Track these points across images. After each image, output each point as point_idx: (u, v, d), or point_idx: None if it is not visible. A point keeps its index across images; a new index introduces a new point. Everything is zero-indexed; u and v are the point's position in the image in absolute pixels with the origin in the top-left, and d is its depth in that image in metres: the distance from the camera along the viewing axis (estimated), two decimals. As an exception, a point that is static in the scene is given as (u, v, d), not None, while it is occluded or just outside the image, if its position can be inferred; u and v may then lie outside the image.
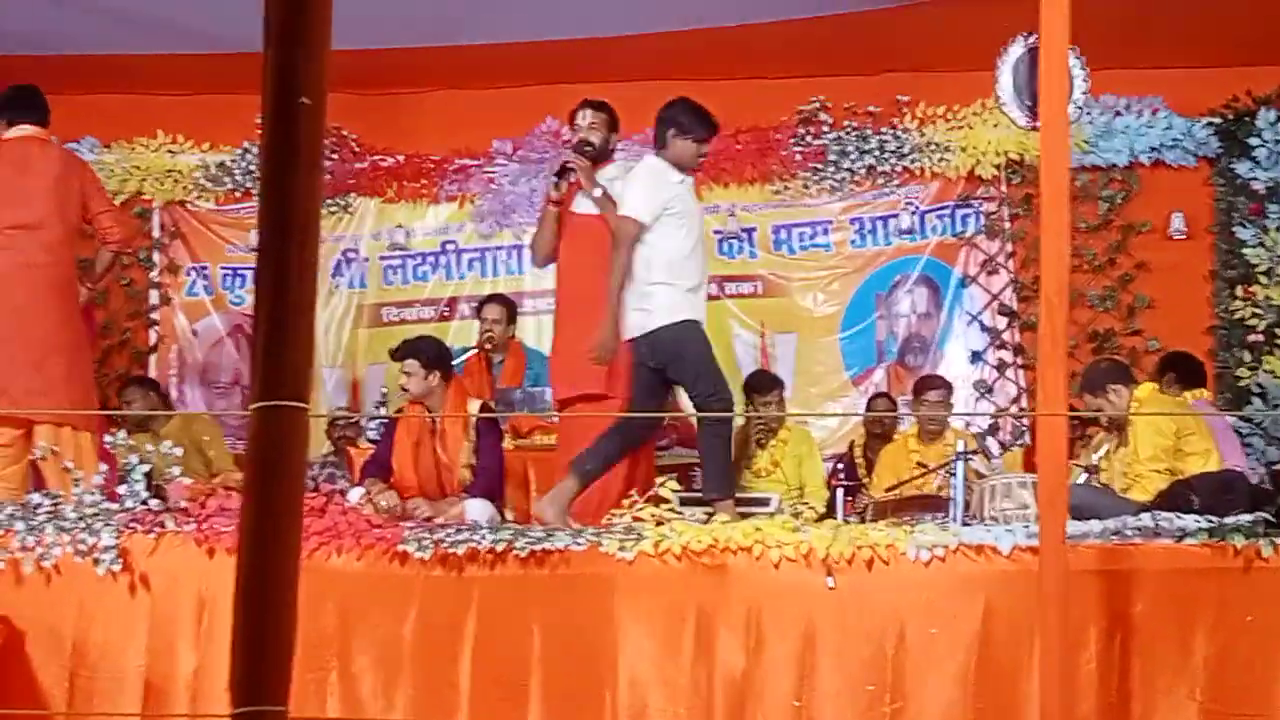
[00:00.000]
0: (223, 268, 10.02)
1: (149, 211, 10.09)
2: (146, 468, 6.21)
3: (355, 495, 7.08)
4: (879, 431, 8.75)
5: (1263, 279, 9.16)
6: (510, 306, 9.04)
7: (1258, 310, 9.14)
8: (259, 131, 2.06)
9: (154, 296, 10.09)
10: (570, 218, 7.10)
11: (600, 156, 7.14)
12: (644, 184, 6.66)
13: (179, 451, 6.49)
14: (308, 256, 1.97)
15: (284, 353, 1.96)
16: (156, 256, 10.11)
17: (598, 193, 6.98)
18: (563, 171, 7.13)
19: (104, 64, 8.93)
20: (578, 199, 7.09)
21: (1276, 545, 5.45)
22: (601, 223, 6.96)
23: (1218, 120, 9.32)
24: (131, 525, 6.00)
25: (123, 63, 8.90)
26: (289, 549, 2.08)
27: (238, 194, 9.95)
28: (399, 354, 7.31)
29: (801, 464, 8.42)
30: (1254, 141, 9.20)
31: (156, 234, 10.10)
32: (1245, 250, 9.19)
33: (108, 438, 6.32)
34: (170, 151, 10.01)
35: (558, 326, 7.26)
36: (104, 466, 6.38)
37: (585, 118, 7.20)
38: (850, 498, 7.90)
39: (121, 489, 6.16)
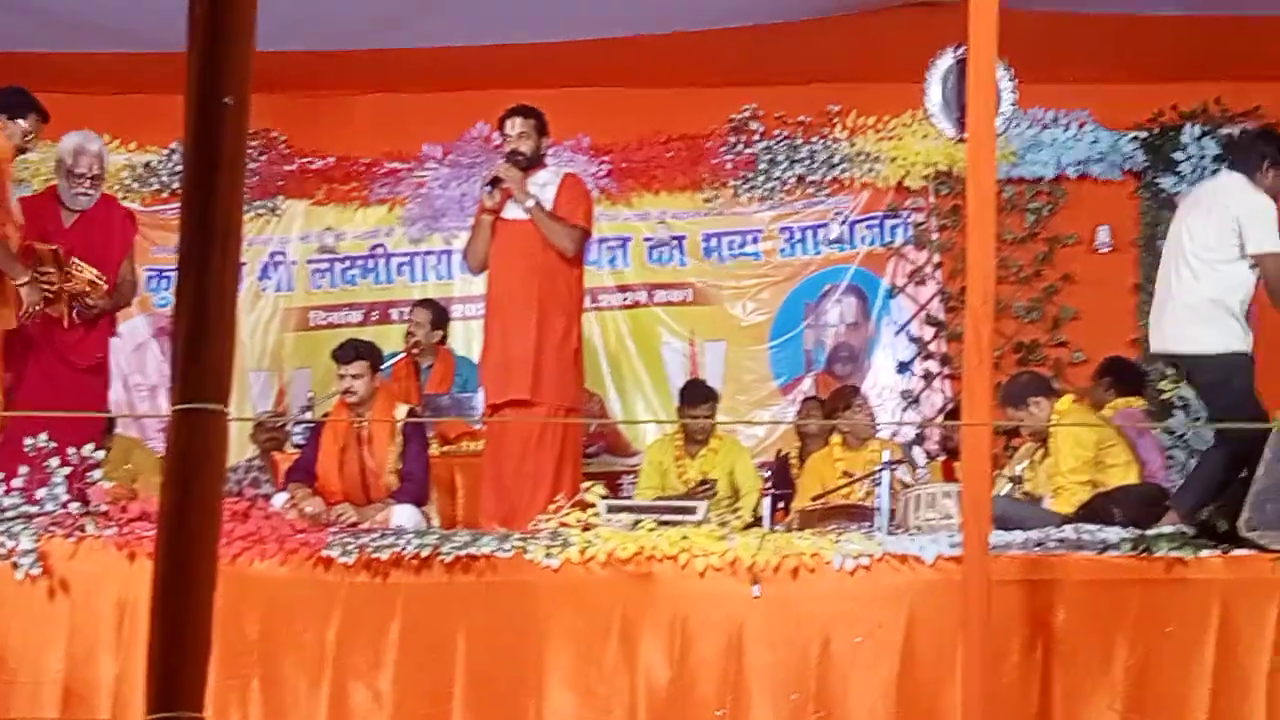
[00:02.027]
0: (148, 269, 9.90)
1: (74, 211, 9.97)
2: (67, 470, 6.14)
3: (280, 500, 7.03)
4: (815, 431, 8.74)
5: (1187, 293, 9.24)
6: (438, 311, 9.02)
7: (1181, 324, 9.22)
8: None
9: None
10: (502, 225, 7.09)
11: (531, 164, 7.14)
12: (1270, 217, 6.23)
13: (100, 455, 6.42)
14: (230, 258, 1.95)
15: (204, 355, 1.94)
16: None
17: (530, 203, 6.99)
18: (494, 182, 7.12)
19: (29, 61, 8.79)
20: (509, 206, 7.09)
21: (1197, 557, 5.51)
22: (532, 228, 6.97)
23: (1143, 134, 9.40)
24: (51, 529, 5.93)
25: (49, 61, 8.78)
26: (206, 553, 2.06)
27: (164, 195, 9.85)
28: (344, 356, 7.27)
29: (735, 473, 8.43)
30: (1179, 156, 9.29)
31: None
32: (1169, 264, 9.27)
33: (27, 440, 6.24)
34: (101, 151, 9.90)
35: (487, 331, 7.25)
36: (24, 469, 6.30)
37: (515, 126, 7.20)
38: (783, 506, 7.92)
39: (41, 492, 6.09)
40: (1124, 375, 8.13)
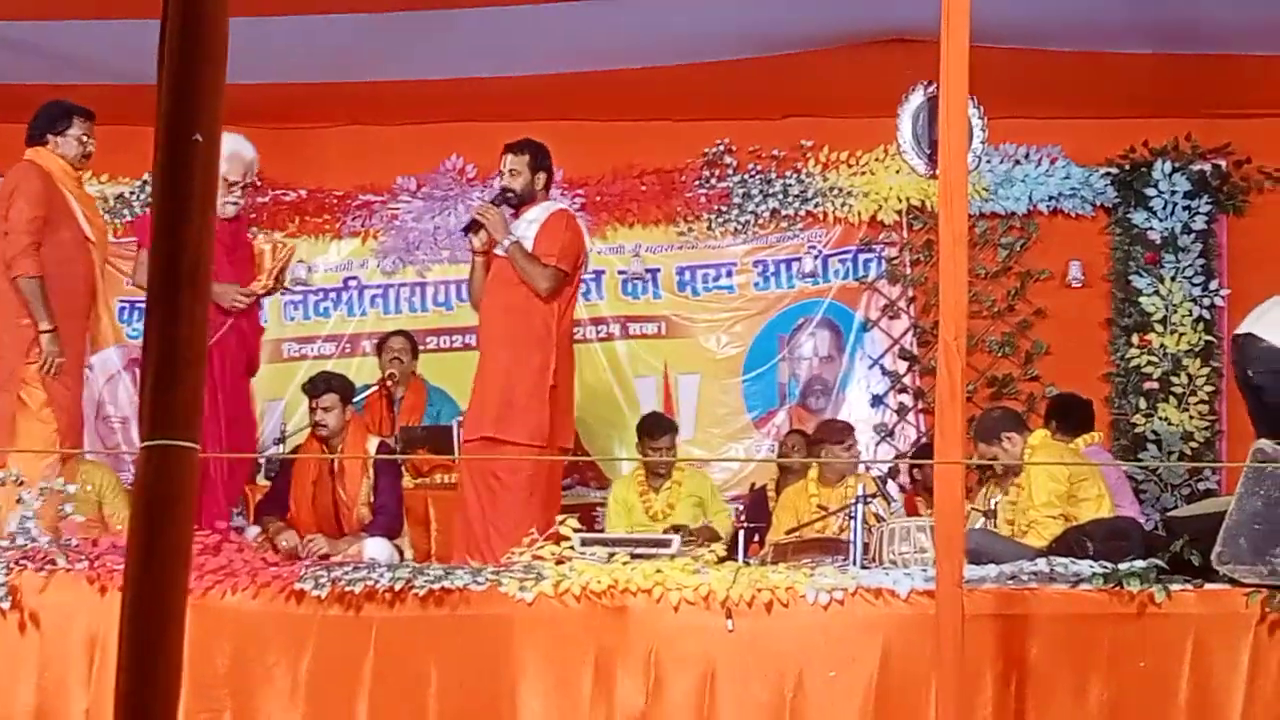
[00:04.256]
0: (120, 300, 9.87)
1: (46, 243, 9.94)
2: (38, 504, 6.11)
3: (252, 533, 7.01)
4: (792, 469, 8.74)
5: (1158, 327, 9.29)
6: (414, 342, 9.04)
7: (1153, 358, 9.27)
8: (158, 165, 2.04)
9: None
10: (494, 261, 7.10)
11: (523, 201, 7.13)
12: None
13: (72, 489, 6.39)
14: (200, 294, 1.95)
15: (174, 391, 1.94)
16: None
17: (507, 243, 6.97)
18: (474, 225, 7.13)
19: (2, 93, 8.80)
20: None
21: (1170, 592, 5.52)
22: (508, 264, 6.96)
23: (1115, 170, 9.45)
24: (22, 562, 5.89)
25: (21, 92, 8.75)
26: (176, 588, 2.05)
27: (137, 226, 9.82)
28: (316, 389, 7.26)
29: (705, 506, 8.42)
30: (1150, 192, 9.34)
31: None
32: (1141, 299, 9.32)
33: (-2, 473, 6.21)
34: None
35: (477, 367, 7.22)
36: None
37: (506, 163, 7.20)
38: (758, 539, 7.92)
39: (11, 525, 6.05)
40: (1071, 415, 8.12)
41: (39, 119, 6.98)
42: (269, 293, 7.38)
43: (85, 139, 6.94)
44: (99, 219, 7.14)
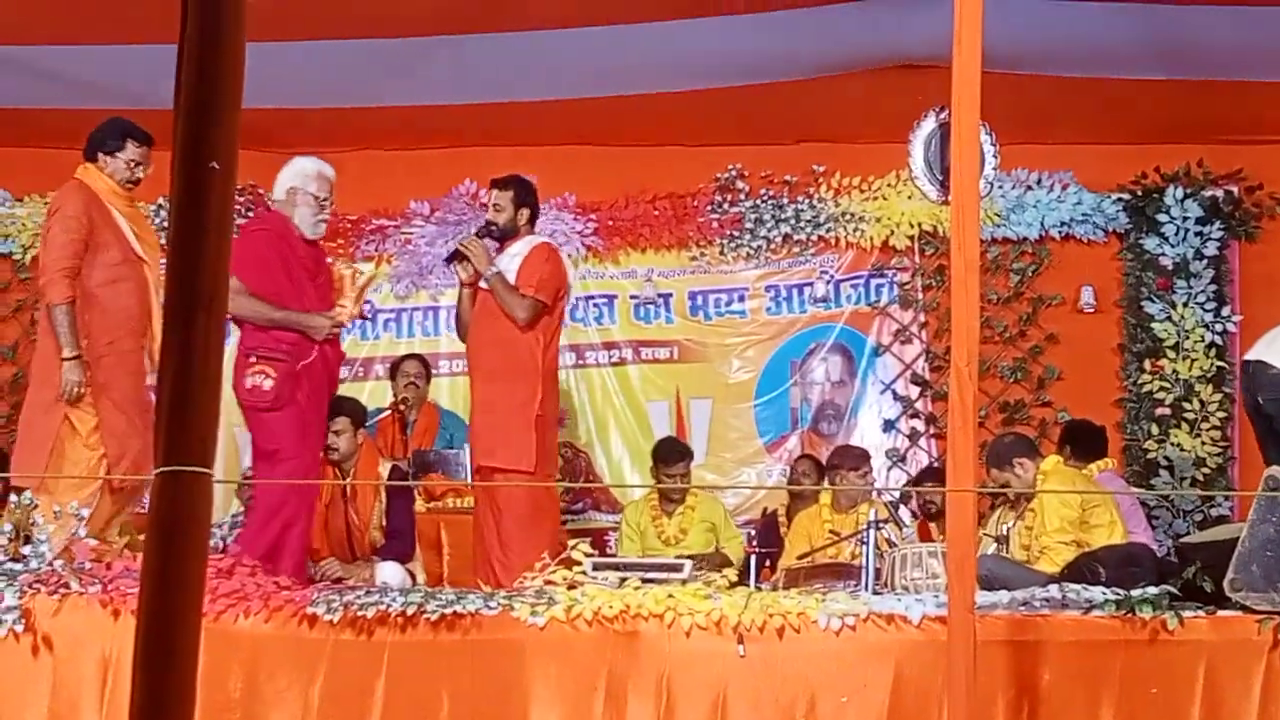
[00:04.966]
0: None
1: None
2: (52, 527, 6.13)
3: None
4: (803, 493, 8.74)
5: (1170, 353, 9.29)
6: (428, 366, 9.06)
7: (1165, 384, 9.27)
8: (175, 189, 2.05)
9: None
10: (480, 294, 7.17)
11: (506, 235, 7.21)
12: None
13: (85, 512, 6.40)
14: (215, 321, 1.96)
15: (189, 418, 1.94)
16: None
17: (490, 274, 7.05)
18: (457, 256, 7.18)
19: (17, 117, 8.84)
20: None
21: (1182, 618, 5.51)
22: (493, 298, 7.04)
23: (1127, 196, 9.46)
24: (35, 586, 5.90)
25: (36, 116, 8.81)
26: (190, 613, 2.06)
27: (152, 251, 9.85)
28: (328, 414, 7.29)
29: (718, 532, 8.43)
30: (1162, 218, 9.35)
31: (68, 290, 9.98)
32: (1153, 324, 9.32)
33: (12, 497, 6.22)
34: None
35: (471, 398, 7.28)
36: (7, 526, 6.27)
37: (491, 198, 7.34)
38: (769, 564, 7.91)
39: (26, 549, 6.07)
40: (1086, 442, 8.10)
41: (96, 136, 6.90)
42: (353, 319, 7.31)
43: (134, 164, 6.83)
44: (151, 236, 6.99)
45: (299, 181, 6.94)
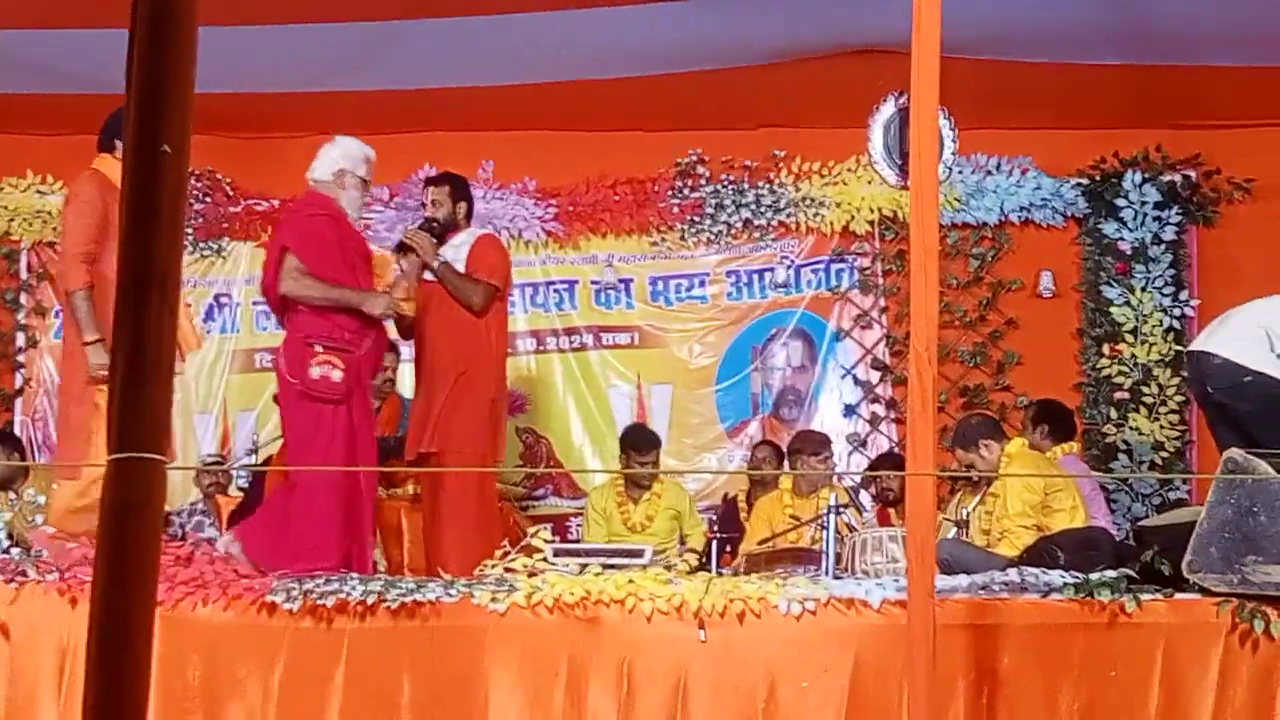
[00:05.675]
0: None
1: (16, 252, 9.91)
2: (7, 516, 6.09)
3: (223, 544, 6.97)
4: (764, 478, 8.75)
5: (1129, 337, 9.33)
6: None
7: (1124, 368, 9.31)
8: (128, 175, 2.03)
9: (20, 339, 9.90)
10: (423, 287, 7.25)
11: (446, 229, 7.32)
12: None
13: (42, 500, 6.36)
14: (168, 305, 1.94)
15: (141, 404, 1.93)
16: (24, 298, 9.93)
17: (437, 264, 7.14)
18: (403, 248, 7.20)
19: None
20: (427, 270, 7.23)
21: (1140, 601, 5.54)
22: (440, 288, 7.09)
23: (1085, 181, 9.49)
24: (-9, 574, 5.87)
25: (-2, 101, 8.75)
26: (144, 601, 2.04)
27: (107, 237, 9.79)
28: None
29: (681, 519, 8.44)
30: (1121, 202, 9.38)
31: (24, 275, 9.92)
32: (1112, 309, 9.36)
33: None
34: (39, 192, 9.84)
35: (415, 388, 7.34)
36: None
37: (428, 195, 7.46)
38: (730, 549, 7.92)
39: (-15, 538, 6.04)
40: (1058, 422, 8.14)
41: (109, 125, 6.84)
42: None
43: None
44: None
45: (349, 164, 6.85)
